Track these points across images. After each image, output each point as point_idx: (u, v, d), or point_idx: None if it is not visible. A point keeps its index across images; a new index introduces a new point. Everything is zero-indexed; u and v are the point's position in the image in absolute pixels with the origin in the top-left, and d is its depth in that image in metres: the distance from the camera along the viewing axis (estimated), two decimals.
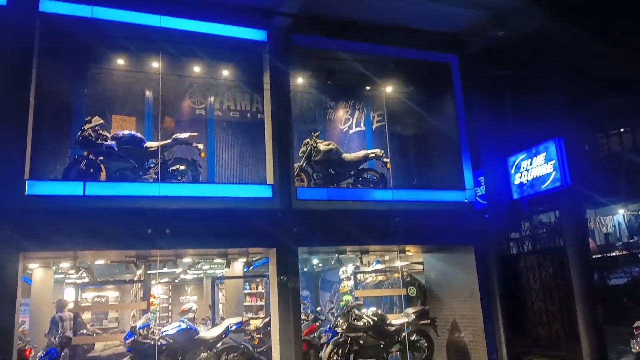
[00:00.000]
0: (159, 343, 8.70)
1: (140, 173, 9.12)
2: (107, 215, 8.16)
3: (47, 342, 9.77)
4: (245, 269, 12.43)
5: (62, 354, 9.57)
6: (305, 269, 14.10)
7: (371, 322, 10.03)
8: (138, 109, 10.20)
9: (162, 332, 9.05)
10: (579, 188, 9.32)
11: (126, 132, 9.19)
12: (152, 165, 9.19)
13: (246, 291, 13.56)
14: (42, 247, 8.14)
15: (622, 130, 13.03)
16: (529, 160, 9.84)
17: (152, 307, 11.25)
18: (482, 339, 10.09)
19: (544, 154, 9.47)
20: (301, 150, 10.28)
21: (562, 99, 9.83)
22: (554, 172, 9.24)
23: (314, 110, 11.54)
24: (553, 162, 9.27)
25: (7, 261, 7.70)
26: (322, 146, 10.28)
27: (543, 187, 9.47)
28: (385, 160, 10.60)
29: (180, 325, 9.27)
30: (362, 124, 11.85)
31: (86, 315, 11.77)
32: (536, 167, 9.65)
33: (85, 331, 10.43)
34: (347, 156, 10.54)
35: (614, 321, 9.52)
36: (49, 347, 9.70)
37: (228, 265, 10.53)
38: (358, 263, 11.57)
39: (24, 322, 10.70)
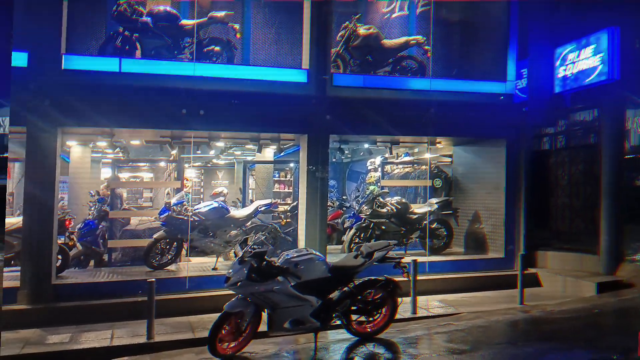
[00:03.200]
0: (191, 219, 9.07)
1: (176, 52, 8.93)
2: (143, 93, 8.16)
3: (95, 212, 10.24)
4: (275, 157, 12.59)
5: (100, 226, 10.06)
6: (334, 159, 14.23)
7: (394, 210, 10.33)
8: None
9: (194, 209, 9.39)
10: (622, 84, 9.00)
11: (162, 7, 8.86)
12: (187, 45, 8.96)
13: (275, 178, 13.88)
14: (79, 123, 8.23)
15: None
16: (577, 52, 9.36)
17: (185, 189, 11.58)
18: (502, 231, 10.32)
19: (594, 45, 8.98)
20: (339, 34, 9.80)
21: None
22: (601, 65, 8.83)
23: None
24: (601, 54, 8.81)
25: (46, 135, 7.87)
26: (362, 30, 9.80)
27: (587, 80, 9.09)
28: (426, 47, 10.10)
29: (212, 204, 9.58)
30: (405, 8, 11.16)
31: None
32: (583, 60, 9.19)
33: (121, 207, 10.84)
34: (387, 42, 10.04)
35: (635, 220, 9.65)
36: (88, 219, 10.21)
37: (260, 150, 10.65)
38: (387, 154, 11.63)
39: (63, 197, 11.13)
